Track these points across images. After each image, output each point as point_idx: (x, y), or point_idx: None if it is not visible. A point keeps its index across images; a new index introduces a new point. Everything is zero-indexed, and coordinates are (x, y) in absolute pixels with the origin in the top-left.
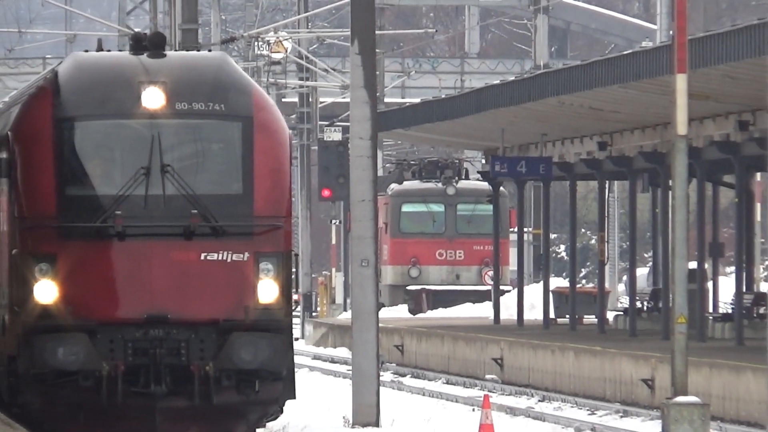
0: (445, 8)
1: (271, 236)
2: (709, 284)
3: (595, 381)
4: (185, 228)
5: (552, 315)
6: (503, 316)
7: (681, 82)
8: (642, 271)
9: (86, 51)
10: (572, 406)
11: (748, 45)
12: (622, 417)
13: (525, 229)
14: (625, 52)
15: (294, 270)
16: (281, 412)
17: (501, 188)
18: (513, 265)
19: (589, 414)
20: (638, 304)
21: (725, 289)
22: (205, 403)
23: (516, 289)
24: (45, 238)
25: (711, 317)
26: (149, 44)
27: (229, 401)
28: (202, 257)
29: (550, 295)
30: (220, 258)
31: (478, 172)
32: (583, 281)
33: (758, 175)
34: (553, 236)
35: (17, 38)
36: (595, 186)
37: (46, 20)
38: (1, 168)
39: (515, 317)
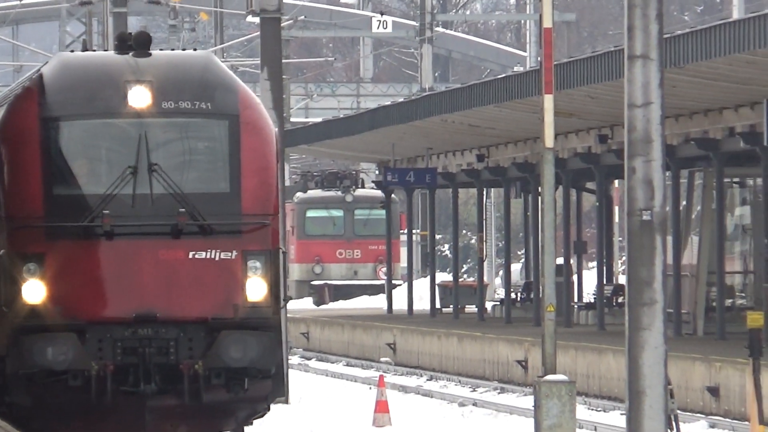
0: (342, 39)
1: (258, 234)
2: (574, 277)
3: (476, 362)
4: (173, 227)
5: (438, 305)
6: (395, 306)
7: (548, 101)
8: (516, 267)
9: (72, 51)
10: (456, 384)
11: (606, 69)
12: (499, 393)
13: (413, 231)
14: (500, 76)
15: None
16: (269, 409)
17: (392, 195)
18: (403, 262)
19: (471, 391)
20: (513, 295)
21: (588, 281)
22: (194, 401)
23: (406, 283)
24: (33, 238)
25: (576, 306)
26: (135, 44)
27: (219, 399)
28: (190, 256)
29: (436, 288)
30: (208, 256)
31: (373, 181)
32: (465, 276)
33: (616, 182)
34: (438, 237)
35: None
36: (474, 192)
37: None
38: None
39: (406, 308)
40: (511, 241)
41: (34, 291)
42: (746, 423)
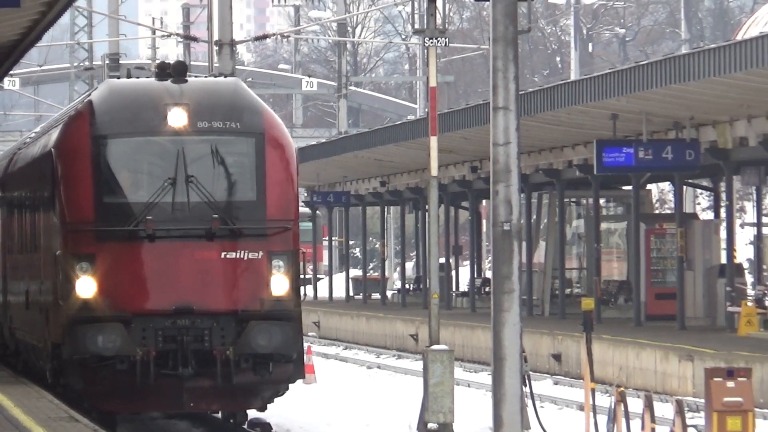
0: (280, 95)
1: (281, 237)
2: (453, 272)
3: (380, 336)
4: (207, 230)
5: (351, 293)
6: (319, 294)
7: (433, 141)
8: (409, 264)
9: (117, 78)
10: (365, 352)
11: (476, 117)
12: (397, 359)
13: (333, 238)
14: (397, 123)
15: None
16: (287, 389)
17: (317, 211)
18: (325, 261)
19: (376, 357)
20: (407, 286)
21: (463, 275)
22: (226, 382)
23: (327, 277)
24: (85, 241)
25: (454, 294)
26: (173, 71)
27: (247, 381)
28: (222, 256)
29: (350, 280)
30: (237, 256)
31: (303, 201)
32: (371, 271)
33: (484, 202)
34: (351, 242)
35: (3, 118)
36: (378, 209)
37: (21, 105)
38: (45, 179)
39: (327, 295)
40: (405, 245)
41: (86, 287)
42: (581, 381)
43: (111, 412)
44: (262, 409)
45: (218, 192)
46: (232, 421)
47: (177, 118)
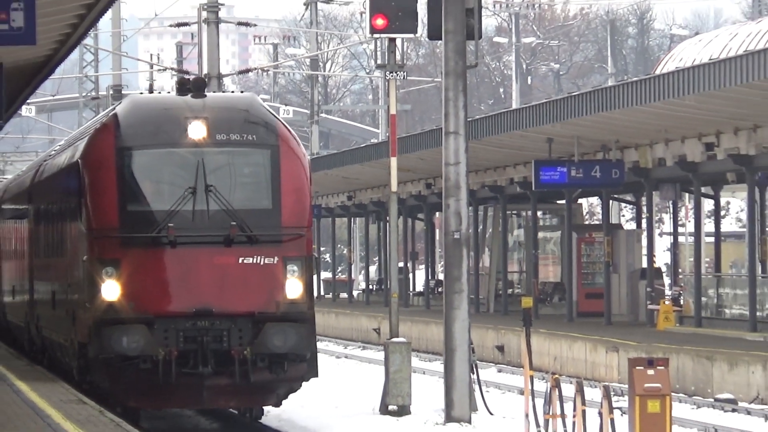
0: None
1: (296, 243)
2: (410, 275)
3: (347, 329)
4: (226, 237)
5: (322, 293)
6: None
7: (393, 162)
8: (373, 268)
9: (141, 93)
10: (334, 344)
11: (431, 141)
12: (362, 350)
13: None
14: (362, 145)
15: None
16: (301, 386)
17: None
18: None
19: (344, 348)
20: (371, 287)
21: (419, 278)
22: (243, 380)
23: None
24: (110, 246)
25: (411, 293)
26: (192, 87)
27: (263, 379)
28: (240, 261)
29: (321, 282)
30: (254, 261)
31: None
32: (339, 274)
33: (437, 214)
34: (322, 249)
35: (21, 140)
36: (346, 220)
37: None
38: (72, 188)
39: None
40: (369, 251)
41: (111, 290)
42: (521, 369)
43: (135, 407)
44: (277, 405)
45: (236, 200)
46: (248, 415)
47: (197, 130)
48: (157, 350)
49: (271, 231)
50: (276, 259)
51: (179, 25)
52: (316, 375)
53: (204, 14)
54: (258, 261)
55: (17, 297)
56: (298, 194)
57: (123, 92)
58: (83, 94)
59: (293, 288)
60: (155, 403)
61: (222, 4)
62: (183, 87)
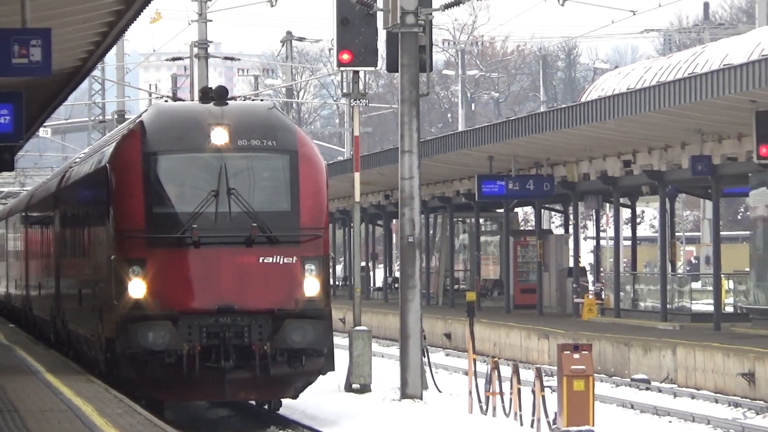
0: None
1: (313, 244)
2: (371, 273)
3: None
4: (247, 237)
5: None
6: None
7: (357, 176)
8: (339, 267)
9: (165, 101)
10: None
11: (389, 159)
12: None
13: None
14: (330, 162)
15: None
16: (316, 379)
17: None
18: None
19: None
20: (337, 283)
21: (379, 275)
22: (263, 374)
23: None
24: (136, 247)
25: (372, 288)
26: (215, 95)
27: (282, 373)
28: (260, 260)
29: None
30: (274, 261)
31: None
32: None
33: (394, 221)
34: None
35: (38, 158)
36: None
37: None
38: (100, 192)
39: None
40: (336, 253)
41: (137, 288)
42: (465, 353)
43: (159, 400)
44: (294, 397)
45: (256, 203)
46: (266, 407)
47: (219, 136)
48: (181, 345)
49: (290, 232)
50: (295, 258)
51: (174, 59)
52: (332, 369)
53: (195, 50)
54: (277, 260)
55: (43, 293)
56: (316, 197)
57: (125, 116)
58: (92, 118)
59: (311, 286)
60: (179, 396)
61: (210, 42)
62: (206, 95)
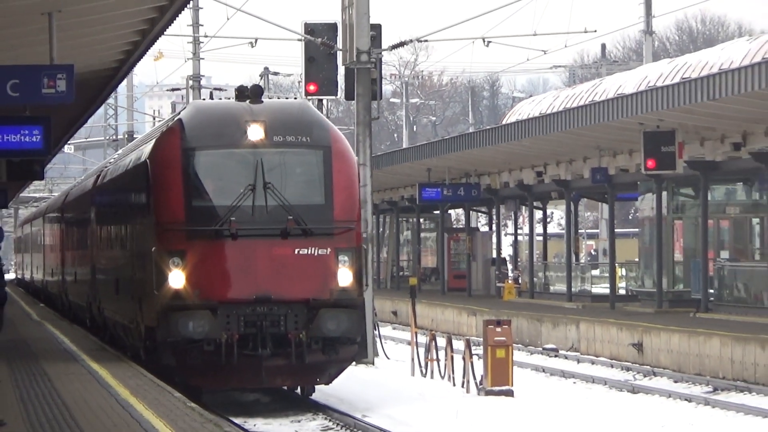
0: None
1: (346, 236)
2: None
3: None
4: (283, 230)
5: None
6: None
7: None
8: None
9: (204, 99)
10: None
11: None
12: None
13: None
14: None
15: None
16: (349, 366)
17: None
18: None
19: None
20: None
21: None
22: (299, 361)
23: None
24: (176, 239)
25: None
26: (250, 94)
27: (317, 360)
28: (296, 252)
29: None
30: (309, 252)
31: None
32: None
33: None
34: None
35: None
36: None
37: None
38: (139, 186)
39: None
40: None
41: (177, 279)
42: (408, 327)
43: (198, 386)
44: (328, 383)
45: (292, 197)
46: (298, 392)
47: (255, 133)
48: (220, 334)
49: (325, 224)
50: (329, 250)
51: (173, 89)
52: (365, 356)
53: (190, 82)
54: (312, 252)
55: (79, 281)
56: (349, 191)
57: (134, 136)
58: (106, 138)
59: (344, 276)
60: (218, 383)
61: (203, 75)
62: (242, 94)
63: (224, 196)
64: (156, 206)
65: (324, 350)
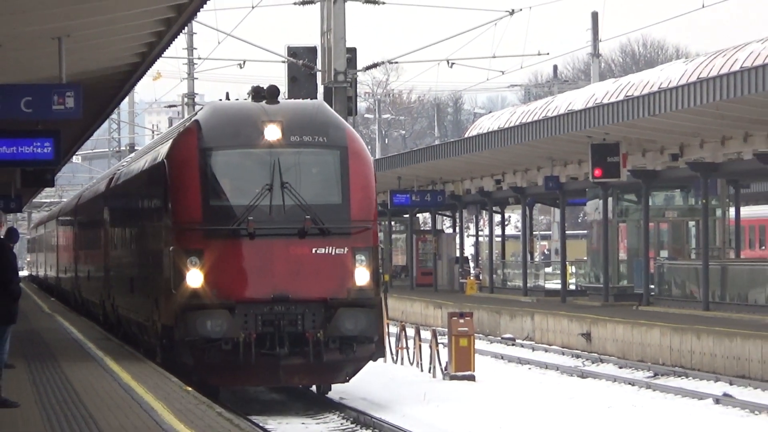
0: None
1: (363, 235)
2: None
3: None
4: (300, 229)
5: None
6: None
7: None
8: None
9: (220, 100)
10: None
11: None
12: None
13: None
14: None
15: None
16: (366, 364)
17: None
18: None
19: None
20: None
21: None
22: (317, 361)
23: None
24: (194, 238)
25: None
26: (267, 94)
27: (334, 359)
28: (313, 251)
29: None
30: (326, 252)
31: None
32: None
33: None
34: None
35: (71, 177)
36: None
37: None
38: (156, 186)
39: None
40: None
41: (195, 278)
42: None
43: (216, 385)
44: (345, 382)
45: (309, 196)
46: (314, 389)
47: (272, 133)
48: (238, 333)
49: (342, 224)
50: (346, 249)
51: (170, 106)
52: (383, 356)
53: (186, 99)
54: (330, 251)
55: (92, 280)
56: (365, 191)
57: (135, 148)
58: (110, 149)
59: (361, 276)
60: (235, 381)
61: (197, 94)
62: (258, 94)
63: (241, 195)
64: (174, 206)
65: (341, 349)
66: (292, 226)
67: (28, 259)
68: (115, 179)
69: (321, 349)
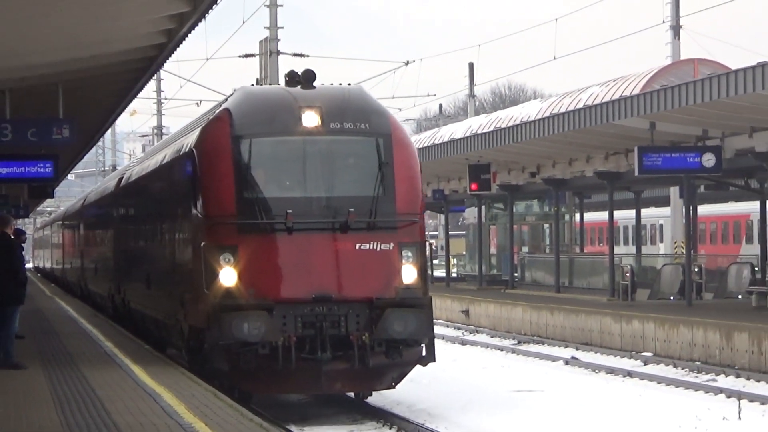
0: None
1: (410, 229)
2: None
3: None
4: (342, 223)
5: None
6: None
7: None
8: None
9: (252, 85)
10: None
11: None
12: None
13: None
14: None
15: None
16: (412, 369)
17: None
18: None
19: None
20: None
21: None
22: (361, 366)
23: None
24: (227, 233)
25: None
26: (302, 79)
27: (379, 364)
28: (357, 247)
29: None
30: (371, 247)
31: None
32: None
33: None
34: None
35: (66, 191)
36: None
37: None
38: (182, 178)
39: None
40: None
41: (229, 276)
42: None
43: (251, 392)
44: (390, 388)
45: (351, 188)
46: (352, 395)
47: (311, 119)
48: (277, 336)
49: (387, 218)
50: (392, 245)
51: (143, 136)
52: (433, 360)
53: (155, 130)
54: (375, 247)
55: (99, 273)
56: (411, 182)
57: (116, 167)
58: (97, 168)
59: (409, 273)
60: (273, 388)
61: (165, 126)
62: (293, 79)
63: (278, 187)
64: (204, 198)
65: (387, 353)
66: (334, 220)
67: (34, 254)
68: (126, 178)
69: (366, 353)
